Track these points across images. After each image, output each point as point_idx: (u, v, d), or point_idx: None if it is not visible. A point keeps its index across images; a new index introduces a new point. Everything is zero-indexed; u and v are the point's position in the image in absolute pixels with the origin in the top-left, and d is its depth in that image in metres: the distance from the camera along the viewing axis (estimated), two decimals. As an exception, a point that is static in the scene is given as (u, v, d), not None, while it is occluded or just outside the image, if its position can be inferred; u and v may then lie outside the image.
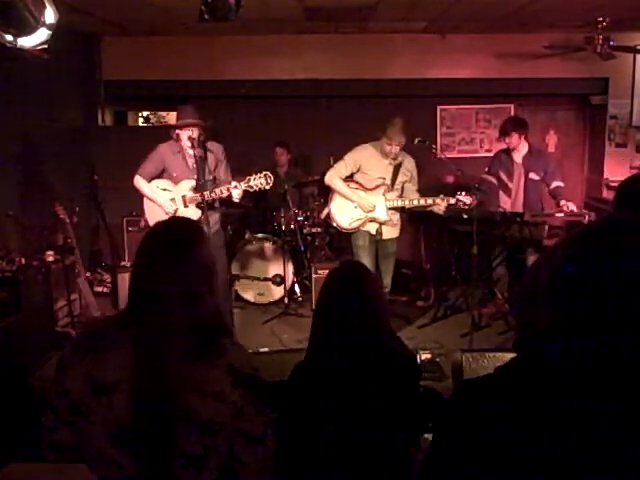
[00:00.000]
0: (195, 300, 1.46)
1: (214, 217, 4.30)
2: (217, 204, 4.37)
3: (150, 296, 1.44)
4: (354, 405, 1.73)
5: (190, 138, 4.13)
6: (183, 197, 4.25)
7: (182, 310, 1.43)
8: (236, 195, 4.16)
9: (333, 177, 4.71)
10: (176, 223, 1.68)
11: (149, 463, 1.38)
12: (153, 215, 4.33)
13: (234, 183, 4.15)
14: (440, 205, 4.54)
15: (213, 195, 4.15)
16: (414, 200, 4.62)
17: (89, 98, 6.64)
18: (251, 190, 4.17)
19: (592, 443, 0.90)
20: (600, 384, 0.92)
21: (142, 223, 4.66)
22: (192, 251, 1.51)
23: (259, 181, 4.11)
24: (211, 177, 4.25)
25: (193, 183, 4.23)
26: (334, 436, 1.73)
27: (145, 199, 4.37)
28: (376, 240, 4.76)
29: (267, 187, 4.16)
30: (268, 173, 4.13)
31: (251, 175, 4.15)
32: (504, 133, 5.06)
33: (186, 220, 1.73)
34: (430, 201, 4.55)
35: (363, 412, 1.73)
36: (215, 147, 4.36)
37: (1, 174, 4.84)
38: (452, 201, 4.49)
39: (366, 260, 4.53)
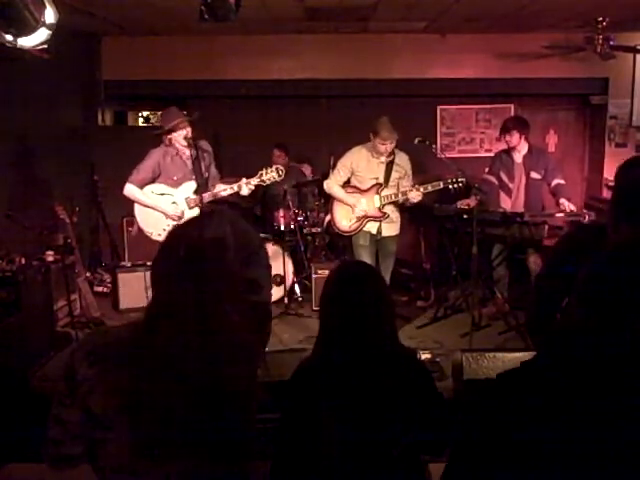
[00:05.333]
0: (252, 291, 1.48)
1: None
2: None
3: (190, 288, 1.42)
4: (357, 404, 1.72)
5: (186, 138, 4.13)
6: (187, 199, 4.24)
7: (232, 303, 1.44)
8: (246, 191, 4.21)
9: (330, 184, 4.88)
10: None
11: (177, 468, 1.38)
12: (146, 220, 4.30)
13: (244, 180, 4.19)
14: (415, 196, 4.61)
15: (223, 194, 4.17)
16: (402, 190, 4.67)
17: (89, 98, 6.64)
18: (264, 184, 4.25)
19: (621, 439, 0.90)
20: (631, 381, 0.92)
21: (135, 228, 4.62)
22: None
23: (271, 174, 4.17)
24: (206, 175, 4.26)
25: (195, 185, 4.22)
26: (337, 435, 1.72)
27: (136, 205, 4.30)
28: (376, 240, 4.80)
29: (279, 179, 4.26)
30: (279, 166, 4.23)
31: (262, 170, 4.20)
32: (505, 130, 5.04)
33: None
34: (415, 191, 4.62)
35: (366, 411, 1.72)
36: (206, 146, 4.37)
37: (1, 174, 4.84)
38: (422, 189, 4.59)
39: (366, 260, 4.55)
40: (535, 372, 1.02)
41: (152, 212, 4.27)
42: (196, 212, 4.19)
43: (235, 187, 4.18)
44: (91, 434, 1.39)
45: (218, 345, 1.43)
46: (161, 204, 4.24)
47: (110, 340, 1.45)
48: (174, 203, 4.24)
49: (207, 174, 4.26)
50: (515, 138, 5.00)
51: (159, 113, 8.63)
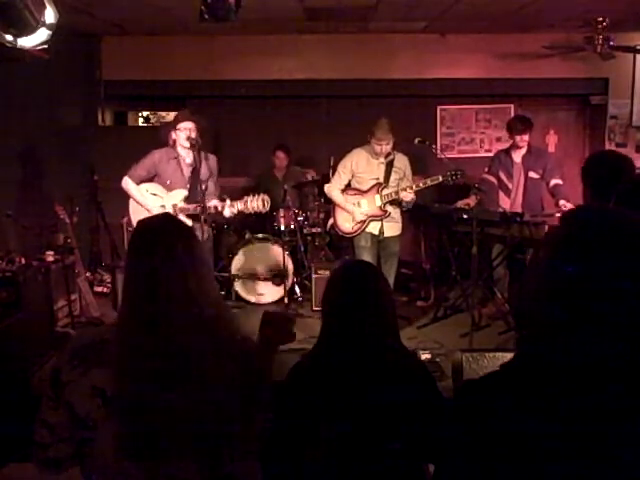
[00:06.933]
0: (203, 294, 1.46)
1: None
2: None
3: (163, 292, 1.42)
4: (356, 404, 1.72)
5: (189, 138, 4.11)
6: (174, 206, 4.21)
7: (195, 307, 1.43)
8: (228, 214, 4.18)
9: (331, 189, 4.89)
10: (165, 219, 1.66)
11: (161, 470, 1.38)
12: (137, 216, 4.27)
13: (229, 202, 4.16)
14: (405, 195, 4.64)
15: (207, 209, 4.14)
16: (402, 188, 4.69)
17: (89, 98, 6.64)
18: (246, 212, 4.18)
19: (591, 441, 0.90)
20: (602, 382, 0.92)
21: (124, 221, 4.62)
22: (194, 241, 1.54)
23: (256, 203, 4.11)
24: (203, 187, 4.23)
25: (186, 193, 4.21)
26: (335, 434, 1.72)
27: (131, 200, 4.34)
28: (378, 240, 4.79)
29: (263, 211, 4.17)
30: (266, 197, 4.14)
31: (249, 196, 4.16)
32: (522, 131, 4.99)
33: (171, 216, 1.71)
34: (411, 188, 4.65)
35: (365, 411, 1.72)
36: (210, 158, 4.34)
37: (1, 174, 4.83)
38: (421, 184, 4.62)
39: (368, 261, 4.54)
40: (514, 371, 1.03)
41: (143, 209, 4.27)
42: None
43: (219, 207, 4.15)
44: (77, 436, 1.40)
45: (202, 344, 1.43)
46: (150, 204, 4.24)
47: (92, 341, 1.46)
48: (162, 206, 4.23)
49: (205, 187, 4.24)
50: (527, 137, 5.02)
51: (159, 113, 8.70)
